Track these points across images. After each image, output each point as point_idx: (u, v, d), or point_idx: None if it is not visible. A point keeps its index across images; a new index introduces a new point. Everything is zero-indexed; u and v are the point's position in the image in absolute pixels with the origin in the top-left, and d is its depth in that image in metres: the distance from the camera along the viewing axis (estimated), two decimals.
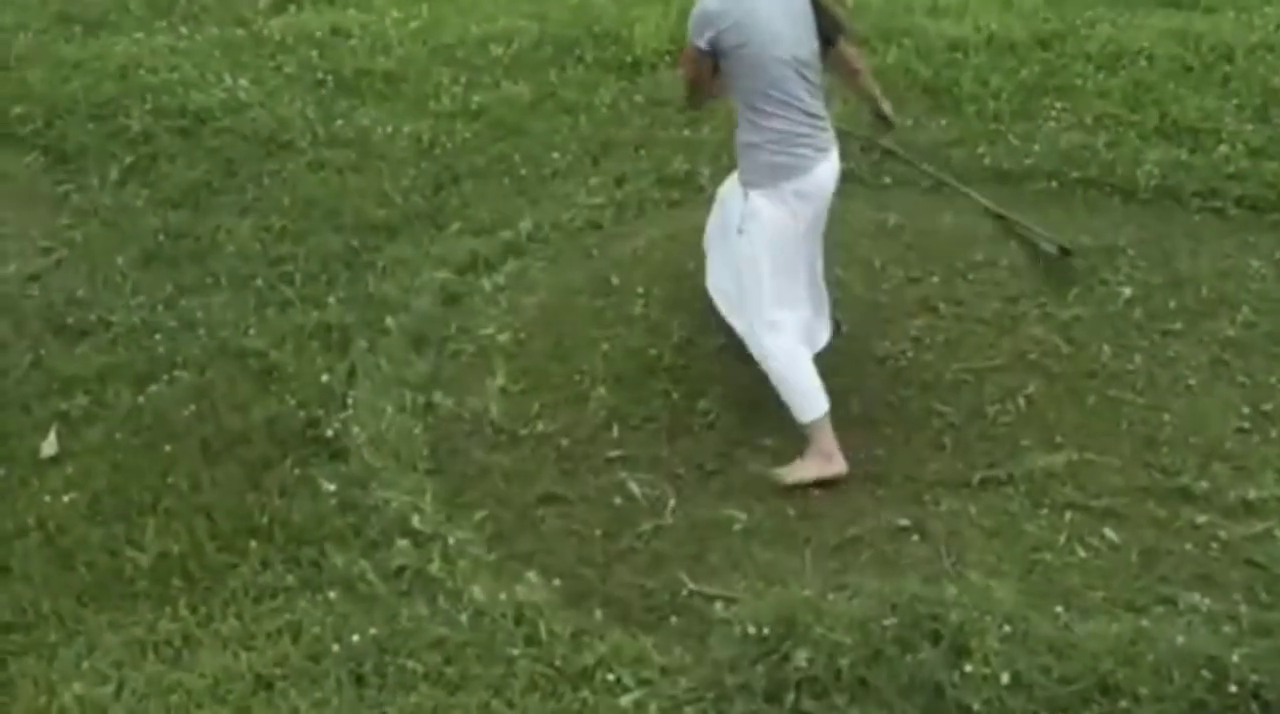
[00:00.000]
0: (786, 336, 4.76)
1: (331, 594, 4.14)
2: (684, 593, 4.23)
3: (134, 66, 7.92)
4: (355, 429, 4.97)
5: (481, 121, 7.33)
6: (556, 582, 4.31)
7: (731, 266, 4.93)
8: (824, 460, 4.72)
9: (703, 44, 4.52)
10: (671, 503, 4.62)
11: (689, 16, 4.57)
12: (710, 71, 4.63)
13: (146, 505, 4.61)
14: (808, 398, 4.72)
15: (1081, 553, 4.34)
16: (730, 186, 4.95)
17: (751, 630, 3.86)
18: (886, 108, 5.12)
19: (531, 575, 4.31)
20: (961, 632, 3.79)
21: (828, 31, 4.69)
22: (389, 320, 5.57)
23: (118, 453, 4.89)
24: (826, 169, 4.69)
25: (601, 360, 5.34)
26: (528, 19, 8.53)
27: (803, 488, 4.69)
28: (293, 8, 9.10)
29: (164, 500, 4.63)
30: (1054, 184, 6.55)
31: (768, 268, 4.68)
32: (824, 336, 5.13)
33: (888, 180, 6.55)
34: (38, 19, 8.97)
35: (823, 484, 4.70)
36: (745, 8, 4.49)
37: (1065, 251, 5.73)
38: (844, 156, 4.83)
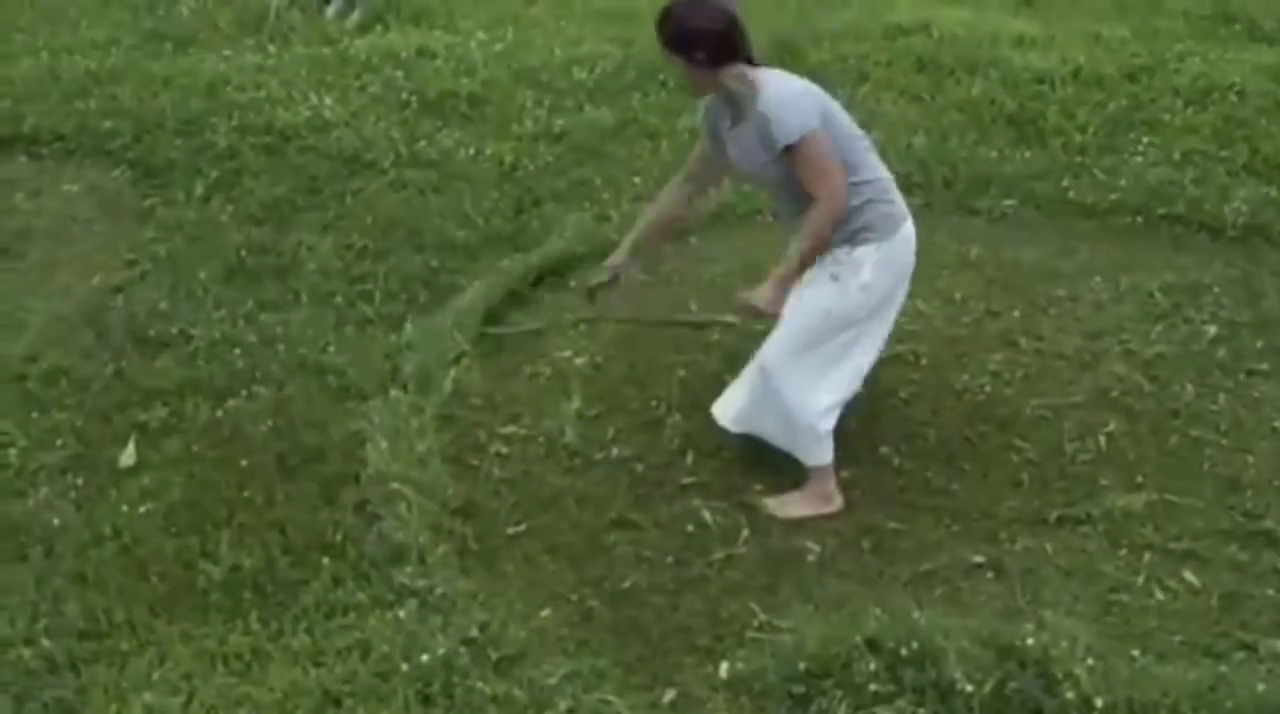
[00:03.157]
0: (838, 396, 4.57)
1: (401, 613, 4.13)
2: (755, 623, 4.19)
3: (222, 84, 8.05)
4: None
5: (563, 145, 7.37)
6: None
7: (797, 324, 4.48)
8: (823, 500, 4.62)
9: (819, 123, 4.18)
10: (744, 532, 4.57)
11: (776, 121, 4.16)
12: None
13: (221, 518, 4.63)
14: (823, 445, 4.59)
15: (1160, 595, 4.25)
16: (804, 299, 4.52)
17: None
18: None
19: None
20: (1047, 656, 3.73)
21: None
22: (466, 343, 5.59)
23: (195, 465, 4.93)
24: (910, 226, 4.48)
25: (677, 387, 5.32)
26: (611, 44, 8.58)
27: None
28: (379, 28, 9.21)
29: (239, 514, 4.65)
30: (1139, 219, 6.49)
31: (843, 321, 4.42)
32: None
33: (971, 213, 6.52)
34: (129, 35, 9.15)
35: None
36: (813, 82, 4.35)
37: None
38: None
